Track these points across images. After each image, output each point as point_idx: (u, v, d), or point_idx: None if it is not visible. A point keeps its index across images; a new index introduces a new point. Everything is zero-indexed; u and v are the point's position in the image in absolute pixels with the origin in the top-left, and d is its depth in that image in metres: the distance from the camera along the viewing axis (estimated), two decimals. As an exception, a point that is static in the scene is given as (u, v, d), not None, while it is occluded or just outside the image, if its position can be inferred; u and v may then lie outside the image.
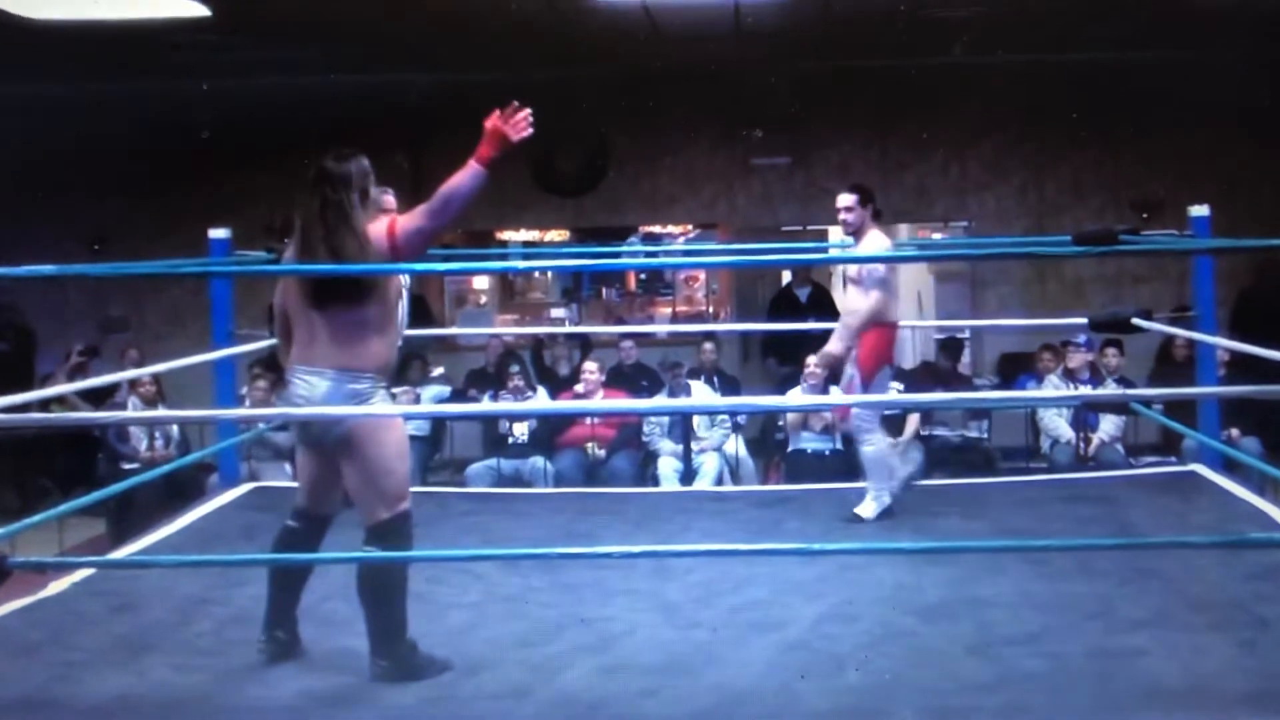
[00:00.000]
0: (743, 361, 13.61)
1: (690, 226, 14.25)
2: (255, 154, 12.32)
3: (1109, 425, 9.71)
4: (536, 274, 14.75)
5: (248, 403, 9.48)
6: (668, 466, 9.66)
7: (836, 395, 7.14)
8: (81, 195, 12.85)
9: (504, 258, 12.09)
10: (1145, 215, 12.36)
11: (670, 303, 14.77)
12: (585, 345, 11.83)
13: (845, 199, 6.94)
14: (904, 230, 14.50)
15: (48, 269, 4.61)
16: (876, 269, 6.87)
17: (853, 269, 6.90)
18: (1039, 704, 4.29)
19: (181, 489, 8.80)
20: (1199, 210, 7.50)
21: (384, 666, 4.52)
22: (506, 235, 13.97)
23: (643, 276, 14.75)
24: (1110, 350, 9.94)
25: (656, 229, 14.23)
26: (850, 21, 10.70)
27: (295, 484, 7.96)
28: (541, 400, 10.11)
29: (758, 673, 4.58)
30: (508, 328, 13.72)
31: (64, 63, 10.69)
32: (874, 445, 6.94)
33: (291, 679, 4.59)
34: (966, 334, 13.10)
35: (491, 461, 9.88)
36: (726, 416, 9.79)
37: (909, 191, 13.68)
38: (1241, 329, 10.70)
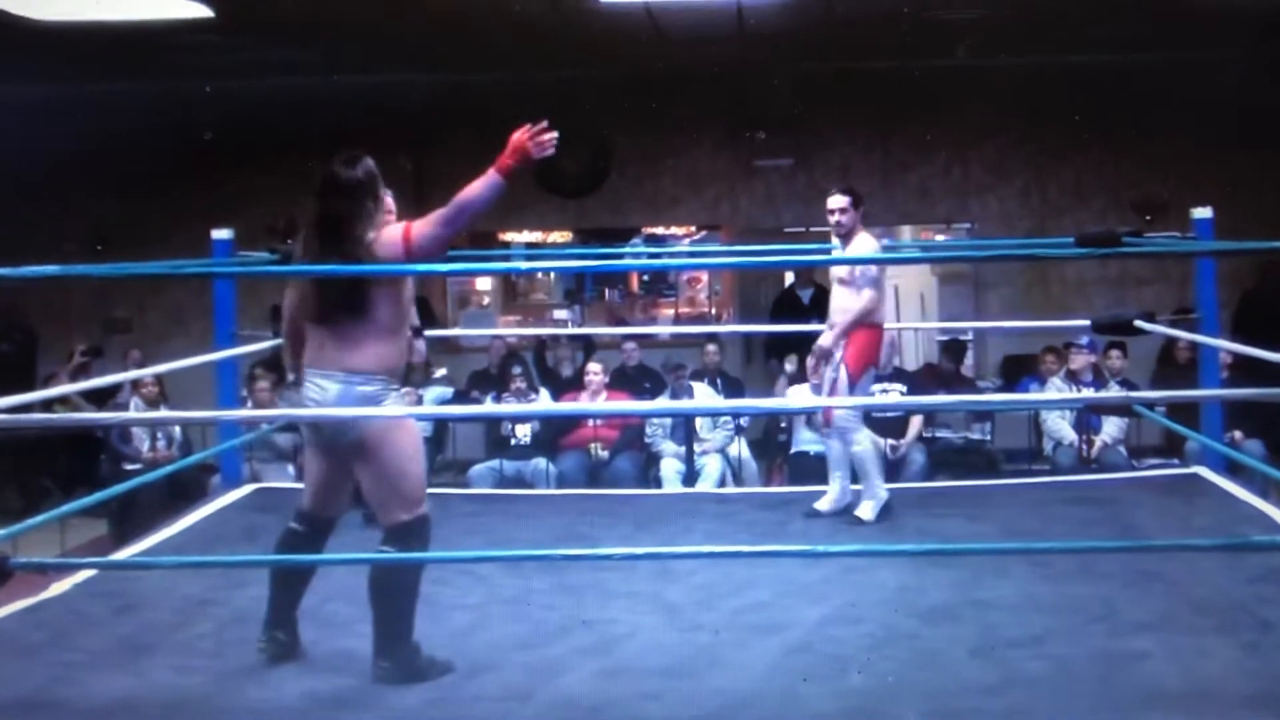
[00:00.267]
0: (745, 363, 13.61)
1: (694, 228, 14.24)
2: (258, 154, 12.33)
3: (1111, 427, 9.70)
4: (539, 275, 14.75)
5: (249, 404, 9.47)
6: (670, 468, 9.66)
7: (837, 397, 7.10)
8: (84, 196, 12.87)
9: (506, 259, 12.07)
10: (1148, 217, 12.34)
11: (673, 304, 14.76)
12: (588, 347, 11.82)
13: (839, 200, 6.94)
14: (906, 232, 14.51)
15: (50, 269, 4.61)
16: (869, 269, 6.89)
17: (843, 270, 6.89)
18: (1042, 707, 4.28)
19: (183, 490, 8.79)
20: (1202, 212, 7.47)
21: (386, 668, 4.51)
22: (509, 236, 13.96)
23: (645, 278, 14.73)
24: (1114, 352, 9.93)
25: (659, 230, 14.22)
26: (853, 23, 10.68)
27: (297, 485, 8.03)
28: (544, 402, 10.11)
29: (760, 675, 4.57)
30: (510, 329, 13.71)
31: (66, 63, 10.67)
32: (862, 444, 6.94)
33: (293, 680, 4.58)
34: (969, 336, 13.08)
35: (494, 463, 9.88)
36: (729, 418, 9.78)
37: (911, 193, 13.68)
38: (1244, 331, 10.70)
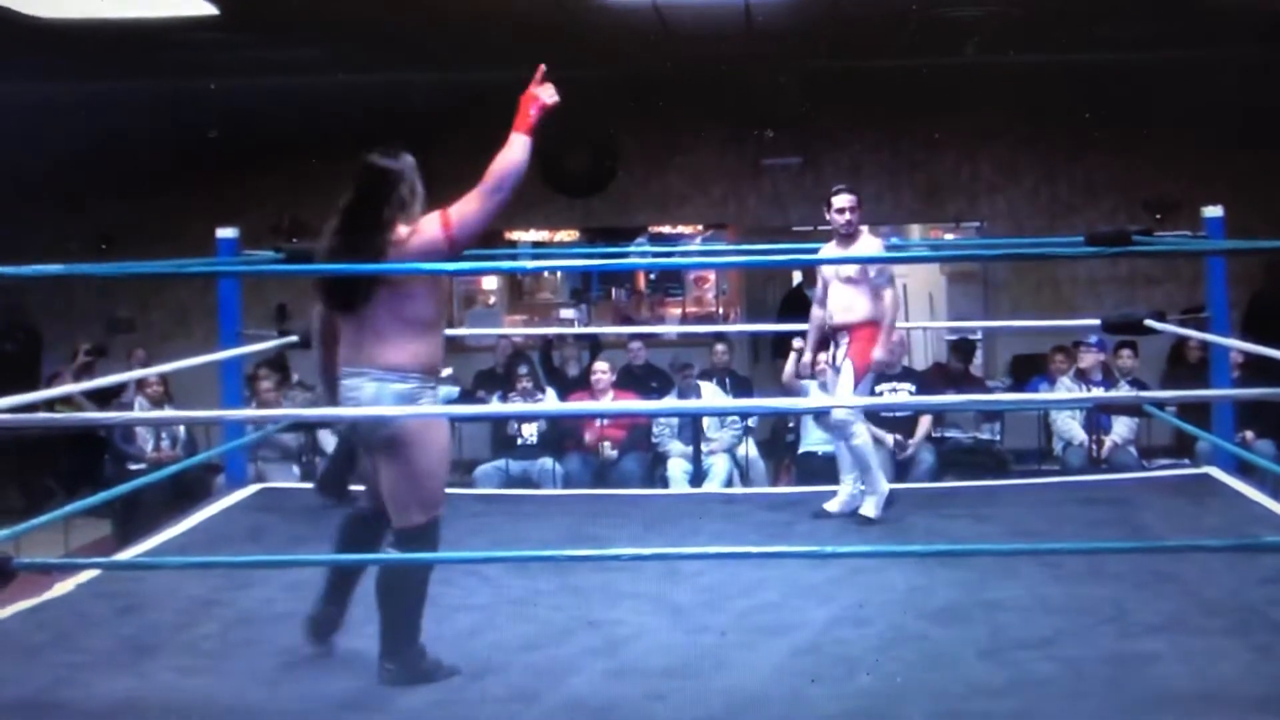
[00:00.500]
0: (753, 362, 13.58)
1: (701, 227, 14.21)
2: (262, 153, 12.30)
3: (1122, 427, 9.65)
4: (545, 274, 14.71)
5: (254, 403, 9.46)
6: (677, 468, 9.63)
7: (841, 396, 7.08)
8: (87, 195, 12.83)
9: (513, 258, 12.04)
10: (1159, 216, 12.29)
11: (680, 303, 14.73)
12: (594, 346, 11.79)
13: (849, 199, 6.93)
14: (915, 230, 14.47)
15: (54, 268, 4.60)
16: (887, 267, 6.92)
17: (853, 268, 6.87)
18: (1052, 709, 4.26)
19: (188, 490, 8.75)
20: (1213, 211, 7.44)
21: (391, 670, 4.49)
22: (515, 235, 13.94)
23: (652, 277, 14.70)
24: (1125, 352, 9.90)
25: (666, 229, 14.19)
26: (861, 21, 10.66)
27: (303, 486, 8.03)
28: (551, 401, 10.08)
29: (767, 677, 4.55)
30: (516, 328, 13.68)
31: (70, 61, 10.66)
32: (861, 437, 6.91)
33: (298, 682, 4.57)
34: (979, 335, 13.05)
35: (500, 462, 9.86)
36: (737, 418, 9.75)
37: (920, 192, 13.64)
38: (1254, 331, 10.64)
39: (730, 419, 9.77)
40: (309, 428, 9.03)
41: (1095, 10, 10.35)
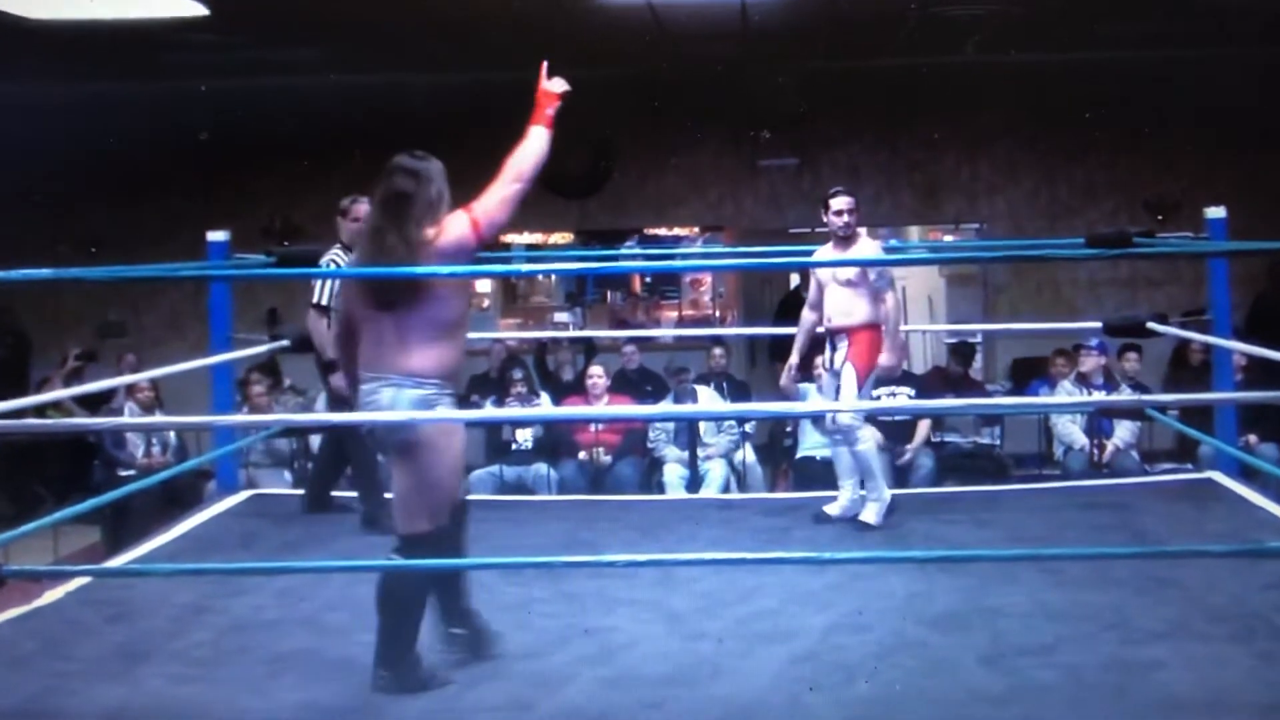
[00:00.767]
0: (750, 366, 13.54)
1: (697, 229, 14.17)
2: (254, 156, 12.28)
3: (1123, 431, 9.59)
4: (540, 277, 14.67)
5: (245, 408, 9.42)
6: (673, 474, 9.57)
7: (846, 401, 7.04)
8: (77, 197, 12.79)
9: (507, 260, 11.99)
10: (1160, 217, 12.26)
11: (676, 306, 14.70)
12: (589, 350, 11.72)
13: (847, 201, 6.90)
14: (914, 232, 14.45)
15: (43, 272, 4.58)
16: (887, 270, 6.89)
17: (852, 271, 6.83)
18: (1054, 717, 4.26)
19: (179, 496, 8.74)
20: (1215, 212, 7.42)
21: (386, 677, 4.46)
22: (510, 238, 13.88)
23: (647, 280, 14.67)
24: (1130, 355, 9.87)
25: (661, 231, 14.15)
26: (859, 20, 10.62)
27: (294, 491, 8.01)
28: (545, 406, 10.03)
29: (765, 684, 4.53)
30: (511, 332, 13.64)
31: (59, 63, 10.62)
32: (865, 443, 6.87)
33: (291, 690, 4.56)
34: (978, 338, 13.03)
35: (494, 468, 9.80)
36: (734, 423, 9.71)
37: (919, 193, 13.63)
38: (1257, 333, 10.60)
39: (727, 424, 9.72)
40: (301, 432, 8.99)
41: (1096, 9, 10.32)
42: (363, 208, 6.78)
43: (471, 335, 13.48)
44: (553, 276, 14.59)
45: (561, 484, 9.51)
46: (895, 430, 9.35)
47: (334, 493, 7.34)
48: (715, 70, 11.90)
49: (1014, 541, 6.49)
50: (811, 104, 12.65)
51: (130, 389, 9.98)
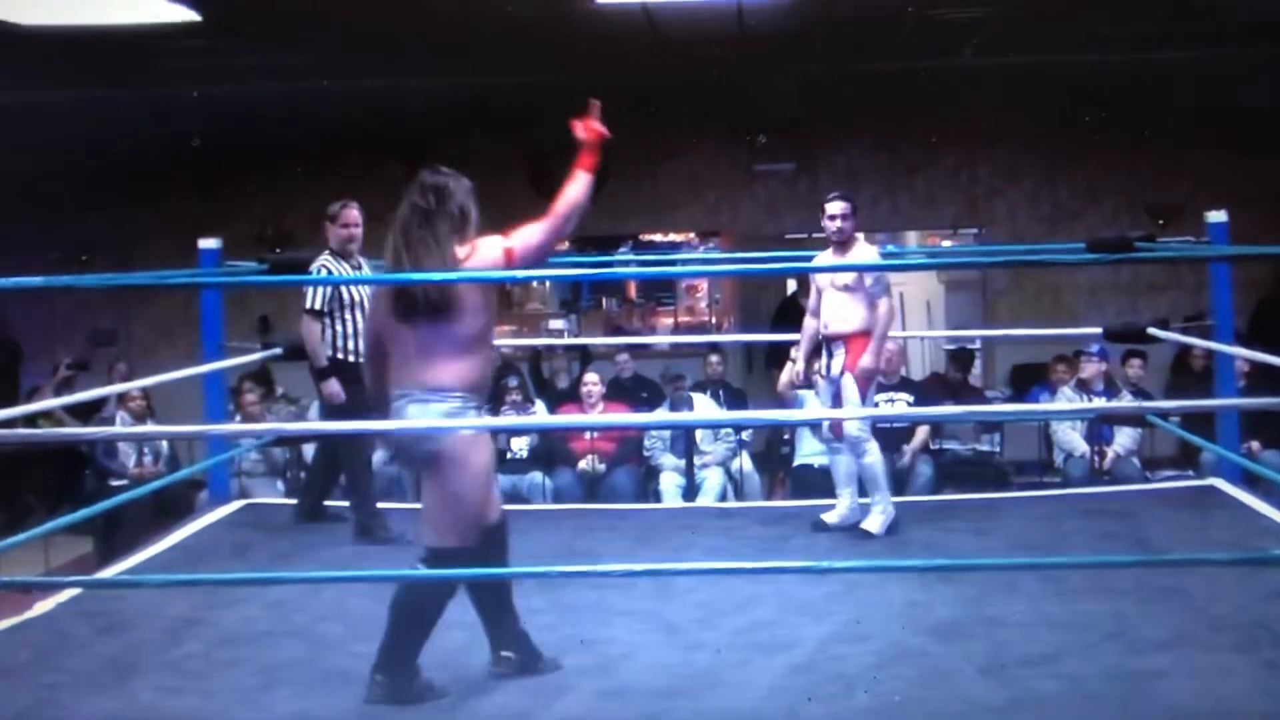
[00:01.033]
0: (747, 373, 13.50)
1: (693, 235, 14.13)
2: (246, 162, 12.26)
3: (1124, 438, 9.56)
4: (534, 284, 14.61)
5: (238, 417, 9.38)
6: (670, 482, 9.53)
7: (848, 409, 7.00)
8: (68, 204, 12.79)
9: (500, 267, 11.93)
10: (1162, 221, 12.25)
11: (672, 313, 14.66)
12: (585, 357, 11.67)
13: (841, 206, 6.87)
14: (912, 237, 14.42)
15: (34, 280, 4.53)
16: (884, 276, 6.88)
17: (849, 276, 6.79)
18: (1055, 727, 4.23)
19: (170, 506, 8.69)
20: (1217, 216, 7.39)
21: (381, 682, 4.44)
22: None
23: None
24: (1135, 362, 9.85)
25: (658, 237, 14.10)
26: (856, 23, 10.60)
27: (287, 501, 7.98)
28: (540, 414, 9.97)
29: (763, 695, 4.51)
30: (505, 340, 13.59)
31: (51, 69, 10.61)
32: (873, 455, 6.83)
33: (284, 701, 4.55)
34: (977, 344, 13.01)
35: (489, 477, 9.73)
36: (731, 430, 9.66)
37: (918, 198, 13.60)
38: (1260, 339, 10.57)
39: (724, 431, 9.68)
40: (293, 441, 8.95)
41: (1096, 11, 10.29)
42: (352, 213, 6.74)
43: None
44: (547, 283, 14.54)
45: (557, 493, 9.45)
46: (892, 435, 9.30)
47: (327, 503, 7.30)
48: (711, 74, 11.89)
49: (1014, 550, 6.48)
50: (808, 107, 12.66)
51: (122, 398, 9.99)
